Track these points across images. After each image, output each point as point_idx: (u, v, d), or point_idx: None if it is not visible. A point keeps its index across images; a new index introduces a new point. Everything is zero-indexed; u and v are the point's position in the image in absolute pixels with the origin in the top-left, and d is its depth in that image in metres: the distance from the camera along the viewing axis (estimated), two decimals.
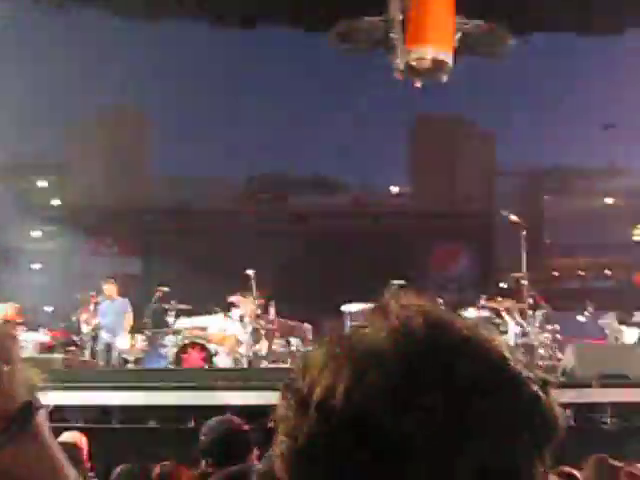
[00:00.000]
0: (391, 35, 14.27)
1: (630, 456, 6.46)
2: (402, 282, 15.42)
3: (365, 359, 1.03)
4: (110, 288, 16.01)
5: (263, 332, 14.78)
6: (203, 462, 4.99)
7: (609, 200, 33.67)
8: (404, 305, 1.12)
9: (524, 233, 15.11)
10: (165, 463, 5.79)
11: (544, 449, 1.05)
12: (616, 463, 5.34)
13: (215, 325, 14.84)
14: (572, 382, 12.45)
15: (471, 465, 0.98)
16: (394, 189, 39.80)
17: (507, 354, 1.07)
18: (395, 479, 0.99)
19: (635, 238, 34.07)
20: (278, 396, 1.10)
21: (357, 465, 0.99)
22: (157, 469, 5.66)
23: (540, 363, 13.29)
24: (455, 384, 1.00)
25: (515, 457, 1.01)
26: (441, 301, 16.02)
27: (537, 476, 1.03)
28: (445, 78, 14.30)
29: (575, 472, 5.55)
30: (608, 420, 12.02)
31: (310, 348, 1.15)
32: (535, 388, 1.06)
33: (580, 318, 20.35)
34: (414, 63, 14.04)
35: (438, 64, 13.99)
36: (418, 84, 14.50)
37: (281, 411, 1.07)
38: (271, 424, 1.11)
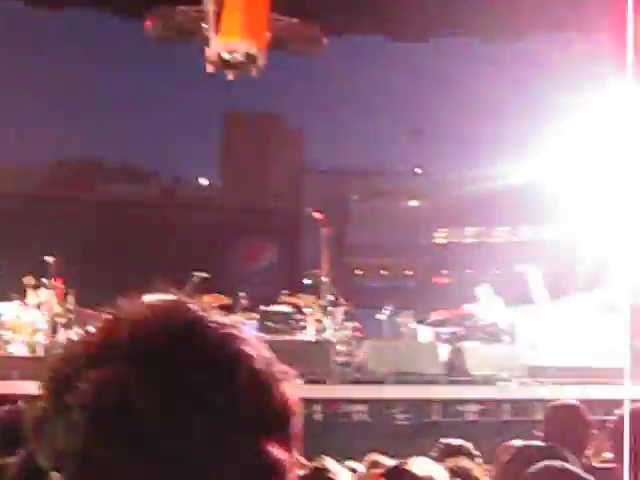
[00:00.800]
0: (204, 26, 14.19)
1: (421, 451, 6.61)
2: (205, 275, 15.40)
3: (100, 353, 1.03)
4: None
5: (62, 320, 14.41)
6: None
7: (413, 202, 34.65)
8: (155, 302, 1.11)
9: (326, 231, 15.34)
10: None
11: (279, 441, 1.05)
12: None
13: (10, 312, 14.36)
14: (367, 378, 12.73)
15: (200, 457, 0.98)
16: (204, 181, 39.63)
17: (247, 351, 1.06)
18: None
19: (436, 240, 35.17)
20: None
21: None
22: None
23: (337, 359, 13.53)
24: (167, 380, 1.00)
25: (232, 450, 1.01)
26: (244, 295, 16.11)
27: (267, 468, 1.03)
28: (256, 72, 14.34)
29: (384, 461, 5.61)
30: (400, 416, 12.34)
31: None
32: (266, 381, 1.06)
33: (380, 316, 20.77)
34: (226, 56, 14.01)
35: (250, 58, 14.02)
36: (230, 77, 14.48)
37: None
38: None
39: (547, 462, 3.77)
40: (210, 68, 14.30)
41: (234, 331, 1.08)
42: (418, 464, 3.48)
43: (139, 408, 0.98)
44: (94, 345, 1.05)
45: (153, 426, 0.98)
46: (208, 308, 1.10)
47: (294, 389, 1.10)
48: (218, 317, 1.08)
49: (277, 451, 1.04)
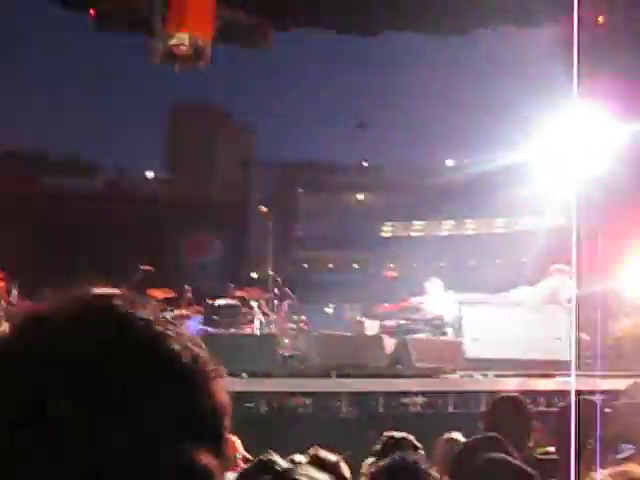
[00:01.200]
0: (151, 18, 14.11)
1: (365, 444, 6.63)
2: (150, 268, 15.30)
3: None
4: None
5: (3, 314, 14.24)
6: None
7: (360, 196, 34.72)
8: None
9: (271, 224, 15.37)
10: None
11: (208, 440, 1.02)
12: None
13: None
14: (312, 371, 12.74)
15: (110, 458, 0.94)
16: (150, 174, 39.40)
17: (177, 351, 1.01)
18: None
19: (384, 234, 35.30)
20: None
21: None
22: None
23: (282, 353, 13.54)
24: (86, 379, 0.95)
25: (154, 460, 0.96)
26: (189, 288, 16.05)
27: (198, 468, 1.00)
28: (204, 65, 14.28)
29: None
30: (345, 409, 12.38)
31: None
32: (196, 384, 1.02)
33: (326, 310, 20.82)
34: (173, 48, 13.94)
35: (197, 51, 13.95)
36: (177, 69, 14.41)
37: None
38: None
39: (489, 454, 3.81)
40: (157, 60, 14.21)
41: (163, 329, 1.02)
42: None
43: (53, 416, 0.93)
44: (11, 345, 1.01)
45: (66, 437, 0.93)
46: (139, 304, 1.04)
47: (227, 387, 1.06)
48: (148, 313, 1.03)
49: (206, 457, 0.99)
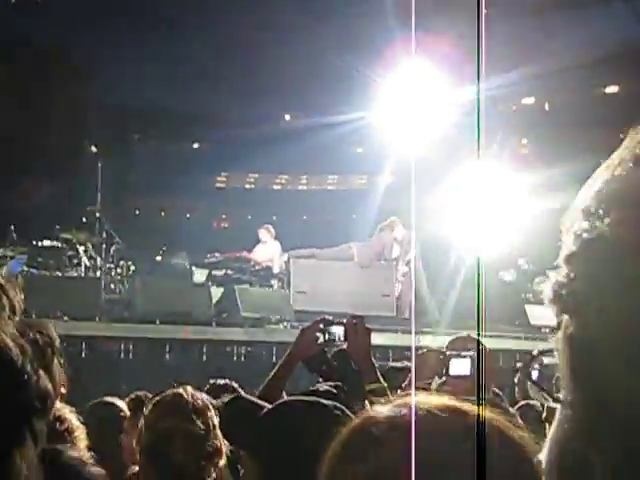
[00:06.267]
0: None
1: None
2: None
3: None
4: None
5: None
6: None
7: (196, 145, 34.51)
8: None
9: (100, 167, 15.10)
10: None
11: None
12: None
13: None
14: (137, 317, 12.63)
15: None
16: None
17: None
18: None
19: (218, 185, 35.20)
20: None
21: None
22: None
23: (107, 297, 13.37)
24: None
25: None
26: (13, 228, 15.56)
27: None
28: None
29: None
30: (168, 355, 12.35)
31: None
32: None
33: (156, 257, 20.66)
34: None
35: None
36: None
37: None
38: None
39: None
40: None
41: None
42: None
43: None
44: None
45: None
46: None
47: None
48: None
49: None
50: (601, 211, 0.73)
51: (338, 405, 2.43)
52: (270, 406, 2.55)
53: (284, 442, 2.38)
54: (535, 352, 0.90)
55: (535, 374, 0.88)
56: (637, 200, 0.72)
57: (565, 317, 0.75)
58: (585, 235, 0.73)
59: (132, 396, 5.81)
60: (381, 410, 1.15)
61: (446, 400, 1.14)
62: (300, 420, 2.39)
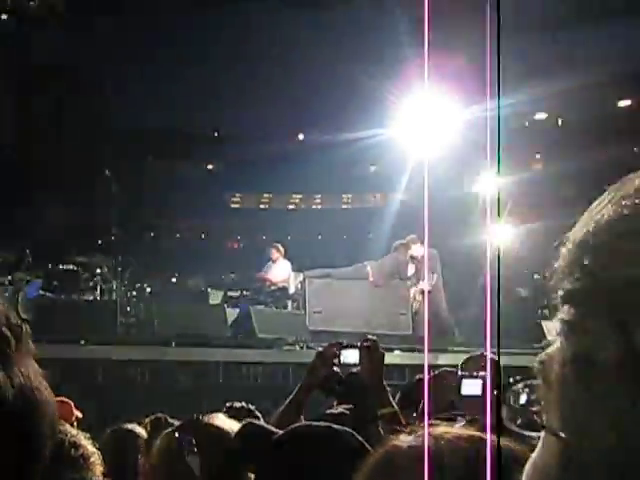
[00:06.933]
0: None
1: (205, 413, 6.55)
2: None
3: None
4: None
5: None
6: None
7: (210, 166, 34.57)
8: None
9: (116, 190, 15.15)
10: None
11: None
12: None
13: None
14: (153, 340, 12.60)
15: None
16: None
17: None
18: None
19: (232, 205, 35.25)
20: None
21: None
22: None
23: (123, 320, 13.36)
24: None
25: None
26: (29, 252, 15.59)
27: None
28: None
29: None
30: (184, 378, 12.31)
31: None
32: None
33: (172, 279, 20.65)
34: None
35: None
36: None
37: None
38: None
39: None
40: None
41: None
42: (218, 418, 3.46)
43: None
44: None
45: None
46: None
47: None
48: None
49: None
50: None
51: (349, 430, 2.42)
52: (281, 432, 2.53)
53: (295, 469, 2.36)
54: (511, 380, 0.88)
55: (524, 398, 0.86)
56: None
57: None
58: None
59: (152, 417, 5.78)
60: (406, 440, 1.14)
61: (470, 430, 1.13)
62: (311, 449, 2.37)
